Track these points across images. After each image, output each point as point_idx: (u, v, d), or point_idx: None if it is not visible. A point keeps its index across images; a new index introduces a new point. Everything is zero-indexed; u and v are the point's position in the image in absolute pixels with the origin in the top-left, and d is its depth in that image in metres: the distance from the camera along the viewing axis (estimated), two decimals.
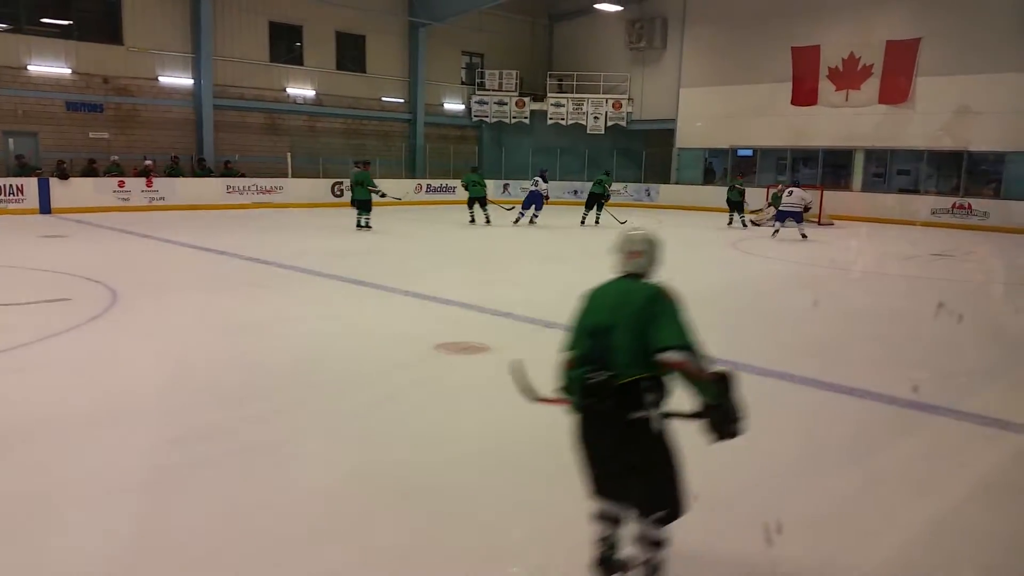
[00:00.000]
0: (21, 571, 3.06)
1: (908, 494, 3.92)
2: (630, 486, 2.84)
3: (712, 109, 25.75)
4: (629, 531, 2.93)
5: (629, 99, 27.67)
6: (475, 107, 28.05)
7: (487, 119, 28.13)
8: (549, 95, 28.06)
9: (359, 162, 17.15)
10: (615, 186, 22.49)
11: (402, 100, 26.47)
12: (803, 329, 7.89)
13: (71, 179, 18.34)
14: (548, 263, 12.55)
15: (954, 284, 11.28)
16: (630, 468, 2.79)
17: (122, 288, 8.80)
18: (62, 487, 3.79)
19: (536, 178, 18.37)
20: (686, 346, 2.65)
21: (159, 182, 19.75)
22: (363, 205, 16.28)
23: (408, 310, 8.31)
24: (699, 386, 2.65)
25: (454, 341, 6.68)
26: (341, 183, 23.13)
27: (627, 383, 2.69)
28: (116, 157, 19.71)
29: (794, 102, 23.80)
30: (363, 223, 16.26)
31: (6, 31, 18.78)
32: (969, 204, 20.63)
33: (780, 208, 17.09)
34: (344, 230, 16.02)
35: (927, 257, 14.15)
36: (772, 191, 20.56)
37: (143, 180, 19.43)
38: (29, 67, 18.97)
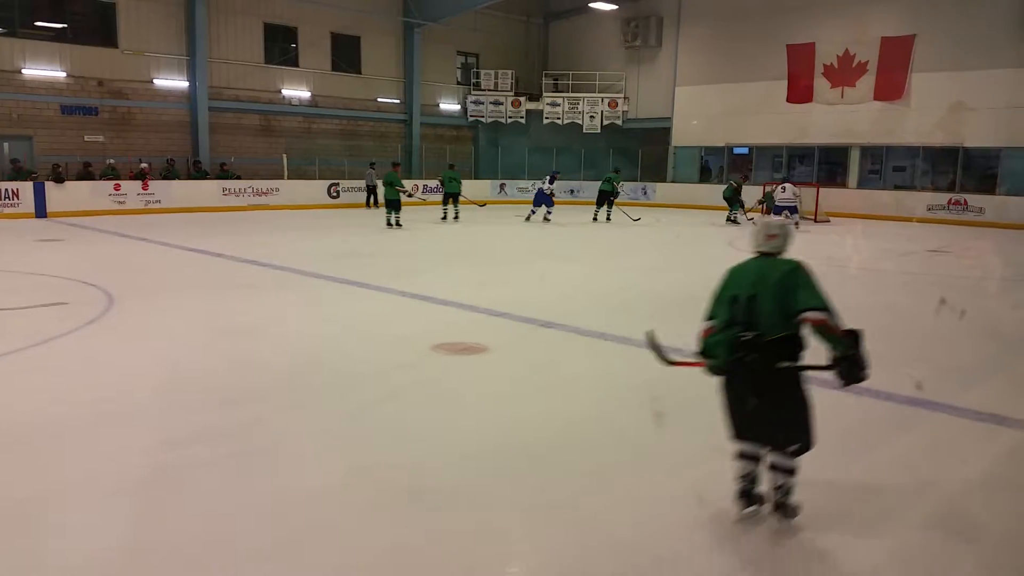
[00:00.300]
0: (18, 572, 3.05)
1: (906, 489, 3.93)
2: (771, 424, 3.36)
3: (708, 107, 25.78)
4: (764, 466, 3.44)
5: (625, 98, 27.70)
6: (471, 107, 28.06)
7: (483, 119, 28.13)
8: (545, 94, 28.10)
9: (393, 163, 18.12)
10: None
11: (398, 101, 26.46)
12: None
13: (66, 183, 18.31)
14: (548, 263, 12.53)
15: (951, 280, 11.30)
16: (773, 409, 3.32)
17: (118, 291, 8.78)
18: (59, 489, 3.78)
19: (545, 178, 19.42)
20: (824, 307, 3.18)
21: (155, 185, 19.73)
22: (393, 204, 16.84)
23: (405, 310, 8.30)
24: (834, 340, 3.18)
25: (452, 341, 6.67)
26: (337, 184, 23.17)
27: (772, 340, 3.25)
28: (112, 160, 19.65)
29: (790, 99, 23.83)
30: (393, 222, 16.76)
31: (0, 35, 18.72)
32: (965, 200, 20.68)
33: (776, 204, 17.14)
34: (341, 231, 16.01)
35: (924, 253, 14.18)
36: (766, 190, 20.57)
37: (139, 183, 19.41)
38: (23, 70, 18.91)
